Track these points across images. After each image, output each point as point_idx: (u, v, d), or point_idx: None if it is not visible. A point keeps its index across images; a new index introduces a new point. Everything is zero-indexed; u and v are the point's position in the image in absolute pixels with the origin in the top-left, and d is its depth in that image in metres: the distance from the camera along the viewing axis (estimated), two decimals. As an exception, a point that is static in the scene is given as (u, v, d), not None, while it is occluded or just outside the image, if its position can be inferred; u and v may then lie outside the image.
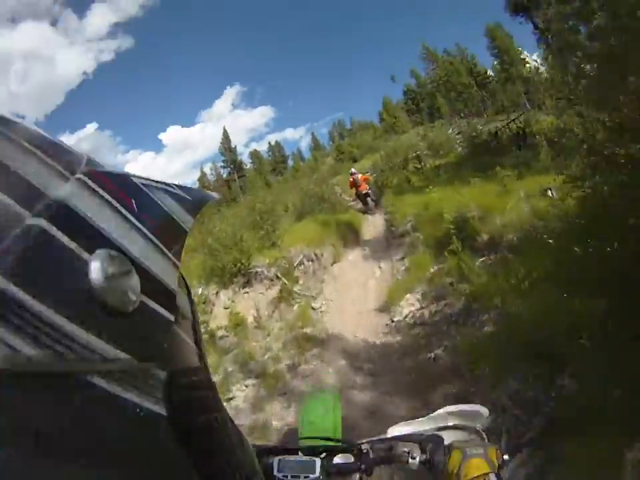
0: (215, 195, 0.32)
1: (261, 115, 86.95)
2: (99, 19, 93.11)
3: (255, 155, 47.28)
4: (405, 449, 0.66)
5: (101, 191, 0.21)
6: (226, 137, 44.30)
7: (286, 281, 5.21)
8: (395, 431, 0.76)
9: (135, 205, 0.22)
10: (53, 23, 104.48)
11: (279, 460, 0.68)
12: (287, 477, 0.66)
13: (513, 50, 31.05)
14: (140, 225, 0.22)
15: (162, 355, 0.21)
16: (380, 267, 5.79)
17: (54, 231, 0.17)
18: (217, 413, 0.28)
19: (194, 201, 0.28)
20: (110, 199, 0.21)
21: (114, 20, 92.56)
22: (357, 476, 0.69)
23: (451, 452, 0.61)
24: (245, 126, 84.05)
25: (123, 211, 0.21)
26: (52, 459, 0.16)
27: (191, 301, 0.30)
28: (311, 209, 8.54)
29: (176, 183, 0.28)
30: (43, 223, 0.17)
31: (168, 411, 0.22)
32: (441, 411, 0.76)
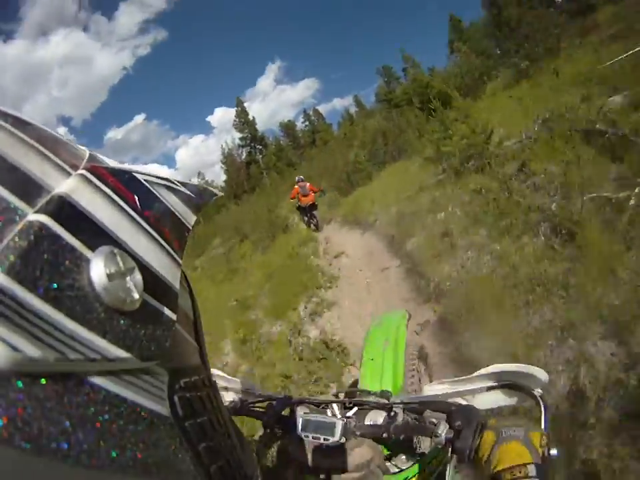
0: (218, 192, 0.31)
1: (306, 87, 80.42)
2: (128, 18, 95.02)
3: (285, 127, 35.42)
4: (434, 419, 0.58)
5: (103, 187, 0.20)
6: (241, 109, 33.06)
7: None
8: (434, 388, 0.67)
9: (137, 202, 0.22)
10: (84, 29, 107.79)
11: (303, 419, 0.67)
12: (308, 436, 0.65)
13: None
14: (142, 222, 0.22)
15: (164, 354, 0.21)
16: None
17: (56, 227, 0.17)
18: (217, 412, 0.28)
19: (197, 198, 0.28)
20: (112, 195, 0.21)
21: (143, 17, 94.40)
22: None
23: (483, 432, 0.50)
24: (291, 100, 78.82)
25: (126, 207, 0.21)
26: (53, 460, 0.15)
27: (193, 299, 0.30)
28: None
29: (178, 179, 0.28)
30: (44, 219, 0.17)
31: (169, 410, 0.21)
32: (491, 368, 0.64)
